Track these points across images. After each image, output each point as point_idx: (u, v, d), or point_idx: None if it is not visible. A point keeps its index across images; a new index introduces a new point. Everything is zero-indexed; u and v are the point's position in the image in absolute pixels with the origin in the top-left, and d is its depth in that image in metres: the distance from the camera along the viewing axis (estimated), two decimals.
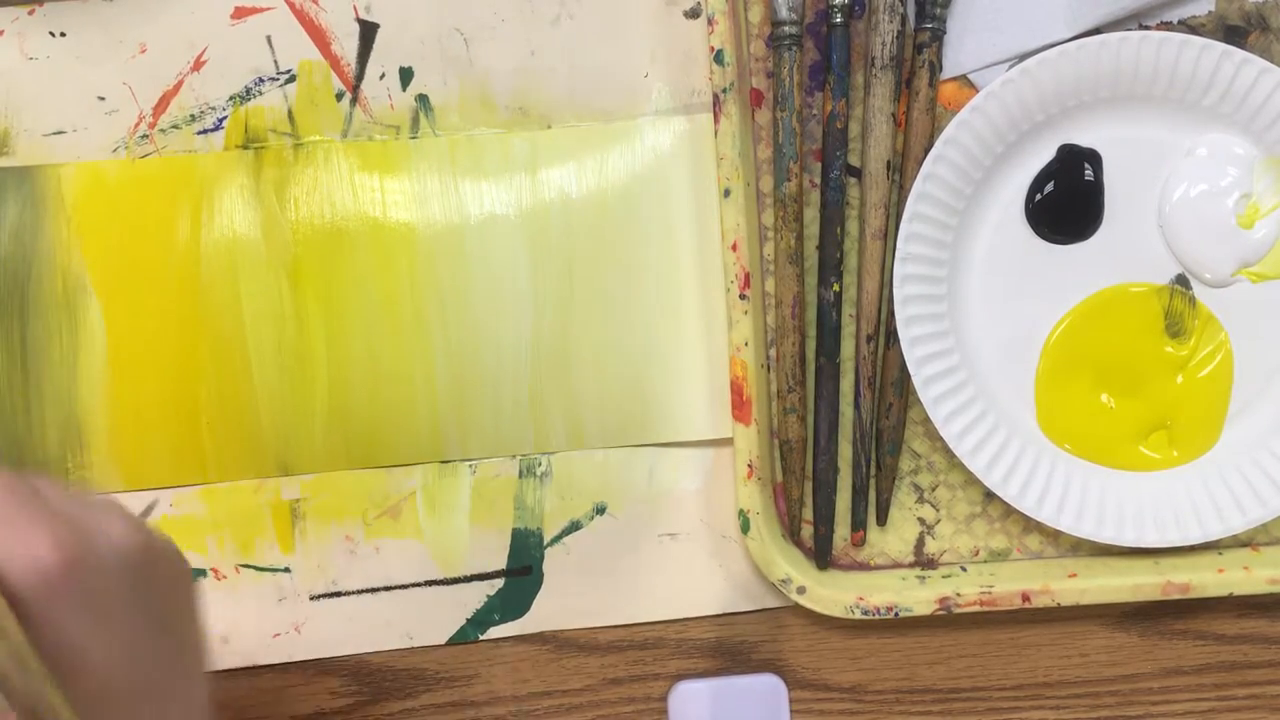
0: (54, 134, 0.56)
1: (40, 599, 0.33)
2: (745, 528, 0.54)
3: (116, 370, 0.55)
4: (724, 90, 0.54)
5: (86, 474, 0.55)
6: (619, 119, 0.56)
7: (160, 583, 0.38)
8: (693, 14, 0.56)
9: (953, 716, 0.56)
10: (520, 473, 0.56)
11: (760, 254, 0.56)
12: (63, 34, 0.56)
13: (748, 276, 0.54)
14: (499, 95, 0.56)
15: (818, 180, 0.56)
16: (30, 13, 0.56)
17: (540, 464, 0.56)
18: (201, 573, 0.56)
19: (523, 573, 0.56)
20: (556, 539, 0.56)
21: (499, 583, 0.56)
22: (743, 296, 0.54)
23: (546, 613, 0.56)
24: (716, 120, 0.54)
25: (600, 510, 0.56)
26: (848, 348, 0.56)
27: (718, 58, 0.54)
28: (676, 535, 0.56)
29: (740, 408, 0.54)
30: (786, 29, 0.54)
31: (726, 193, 0.54)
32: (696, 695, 0.55)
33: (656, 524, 0.56)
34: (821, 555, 0.55)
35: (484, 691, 0.56)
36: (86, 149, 0.56)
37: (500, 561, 0.56)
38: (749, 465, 0.54)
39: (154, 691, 0.37)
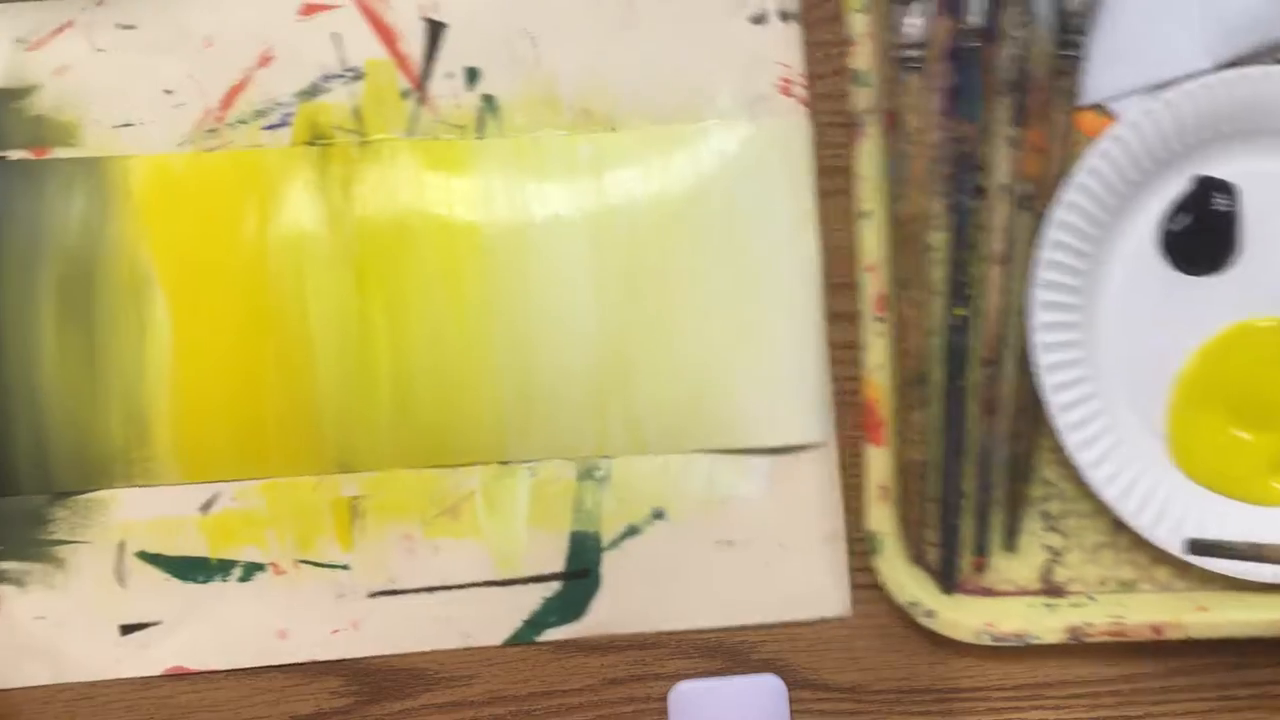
0: (122, 126, 0.56)
1: None
2: (876, 549, 0.54)
3: (181, 363, 0.56)
4: (863, 111, 0.54)
5: (149, 465, 0.56)
6: (684, 122, 0.56)
7: None
8: (758, 19, 0.56)
9: (953, 716, 0.56)
10: (579, 476, 0.56)
11: (890, 276, 0.56)
12: (131, 26, 0.56)
13: (882, 298, 0.54)
14: (564, 97, 0.56)
15: (945, 203, 0.56)
16: (99, 4, 0.56)
17: (600, 468, 0.56)
18: (260, 567, 0.56)
19: (580, 576, 0.56)
20: (614, 543, 0.56)
21: (556, 585, 0.56)
22: (878, 319, 0.54)
23: (603, 616, 0.56)
24: (856, 141, 0.54)
25: (658, 515, 0.56)
26: (974, 372, 0.55)
27: (858, 78, 0.54)
28: (734, 543, 0.56)
29: (874, 429, 0.54)
30: (918, 51, 0.54)
31: (864, 214, 0.54)
32: (696, 695, 0.55)
33: (714, 530, 0.56)
34: (947, 579, 0.55)
35: (484, 691, 0.56)
36: (153, 142, 0.56)
37: (558, 564, 0.56)
38: (881, 487, 0.54)
39: None
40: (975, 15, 0.54)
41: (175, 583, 0.56)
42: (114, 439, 0.55)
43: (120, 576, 0.56)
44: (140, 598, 0.56)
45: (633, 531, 0.56)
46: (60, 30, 0.56)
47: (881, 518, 0.54)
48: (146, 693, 0.56)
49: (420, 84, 0.56)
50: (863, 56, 0.54)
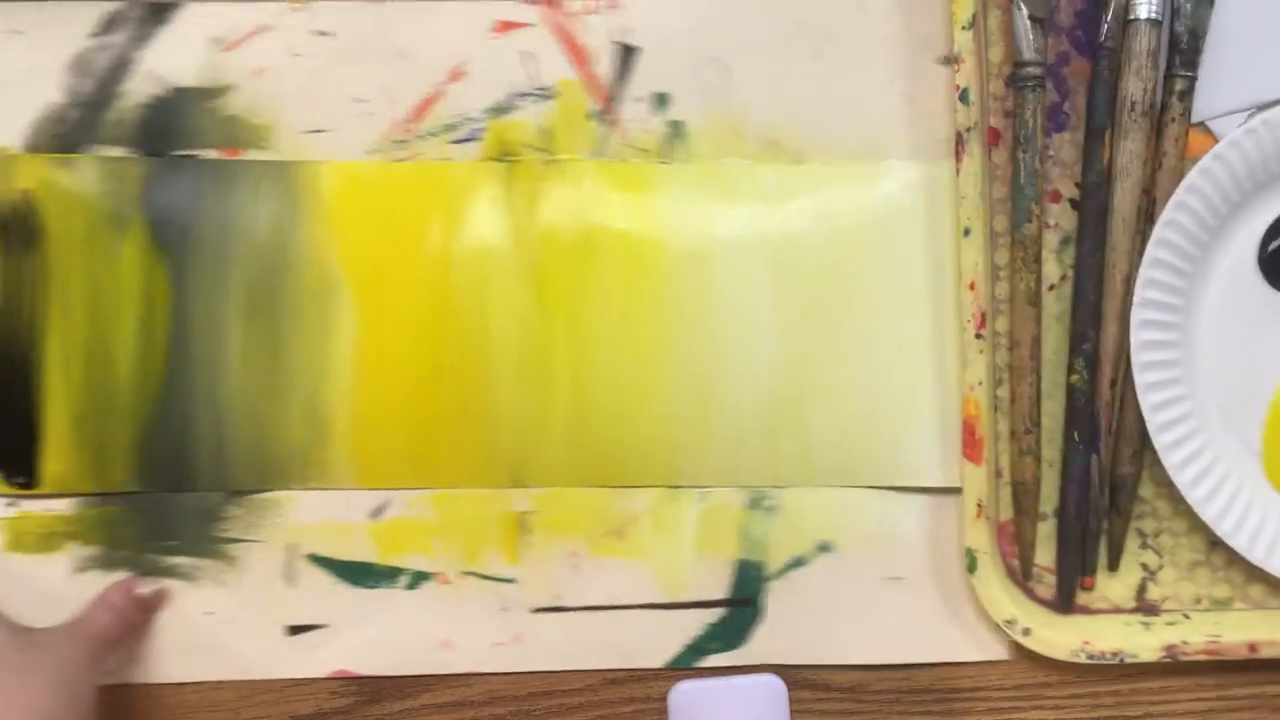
0: (313, 131, 0.57)
1: None
2: (972, 567, 0.54)
3: (362, 368, 0.56)
4: (967, 129, 0.54)
5: (325, 468, 0.56)
6: (866, 159, 0.56)
7: None
8: (945, 61, 0.56)
9: (953, 716, 0.56)
10: (748, 504, 0.56)
11: (992, 293, 0.56)
12: (328, 34, 0.57)
13: (983, 316, 0.54)
14: (751, 127, 0.57)
15: (1051, 222, 0.56)
16: (297, 9, 0.57)
17: (769, 497, 0.56)
18: (427, 576, 0.56)
19: (743, 604, 0.56)
20: (779, 573, 0.56)
21: (720, 612, 0.56)
22: (979, 336, 0.54)
23: (764, 647, 0.56)
24: (959, 159, 0.54)
25: (825, 548, 0.56)
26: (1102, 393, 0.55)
27: (963, 96, 0.54)
28: (901, 579, 0.56)
29: (972, 447, 0.54)
30: (1030, 70, 0.54)
31: (966, 231, 0.54)
32: (696, 695, 0.55)
33: (881, 566, 0.56)
34: (1065, 598, 0.55)
35: (484, 691, 0.56)
36: (343, 149, 0.57)
37: (722, 591, 0.56)
38: (978, 504, 0.54)
39: None
40: (1107, 38, 0.54)
41: (343, 586, 0.56)
42: (292, 440, 0.56)
43: (289, 577, 0.56)
44: (308, 599, 0.56)
45: (798, 563, 0.56)
46: (257, 33, 0.57)
47: (977, 536, 0.54)
48: (146, 692, 0.56)
49: (609, 106, 0.57)
50: (966, 74, 0.54)
